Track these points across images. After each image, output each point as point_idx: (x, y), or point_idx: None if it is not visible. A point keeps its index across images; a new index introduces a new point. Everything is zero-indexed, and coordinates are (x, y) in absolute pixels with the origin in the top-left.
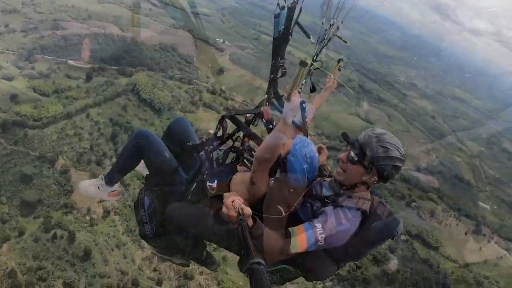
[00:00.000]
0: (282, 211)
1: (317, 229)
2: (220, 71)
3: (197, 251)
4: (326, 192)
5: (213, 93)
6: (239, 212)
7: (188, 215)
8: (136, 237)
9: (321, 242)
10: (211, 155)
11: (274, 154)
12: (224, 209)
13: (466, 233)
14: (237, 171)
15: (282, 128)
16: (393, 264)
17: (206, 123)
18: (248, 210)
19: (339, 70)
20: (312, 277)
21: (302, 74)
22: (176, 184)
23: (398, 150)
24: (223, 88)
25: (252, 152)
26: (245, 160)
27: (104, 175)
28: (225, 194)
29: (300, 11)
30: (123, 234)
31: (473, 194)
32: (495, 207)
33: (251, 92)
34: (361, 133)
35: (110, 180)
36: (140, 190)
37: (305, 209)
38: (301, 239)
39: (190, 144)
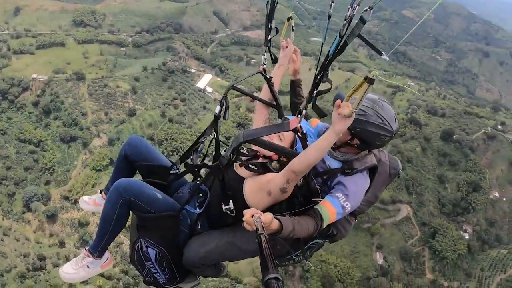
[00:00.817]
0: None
1: (340, 199)
2: (17, 11)
3: (216, 270)
4: (331, 163)
5: (18, 36)
6: (257, 227)
7: (217, 249)
8: (16, 215)
9: (347, 209)
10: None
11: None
12: (246, 226)
13: (310, 69)
14: (239, 177)
15: (329, 142)
16: None
17: (26, 70)
18: (266, 218)
19: (293, 30)
20: (337, 239)
21: (366, 92)
22: (181, 221)
23: (379, 117)
24: (27, 27)
25: (243, 150)
26: (250, 165)
27: (88, 249)
28: (244, 211)
29: (363, 22)
30: (3, 219)
31: (303, 33)
32: (327, 38)
33: (61, 18)
34: None
35: (100, 252)
36: (136, 243)
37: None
38: (330, 213)
39: (175, 171)
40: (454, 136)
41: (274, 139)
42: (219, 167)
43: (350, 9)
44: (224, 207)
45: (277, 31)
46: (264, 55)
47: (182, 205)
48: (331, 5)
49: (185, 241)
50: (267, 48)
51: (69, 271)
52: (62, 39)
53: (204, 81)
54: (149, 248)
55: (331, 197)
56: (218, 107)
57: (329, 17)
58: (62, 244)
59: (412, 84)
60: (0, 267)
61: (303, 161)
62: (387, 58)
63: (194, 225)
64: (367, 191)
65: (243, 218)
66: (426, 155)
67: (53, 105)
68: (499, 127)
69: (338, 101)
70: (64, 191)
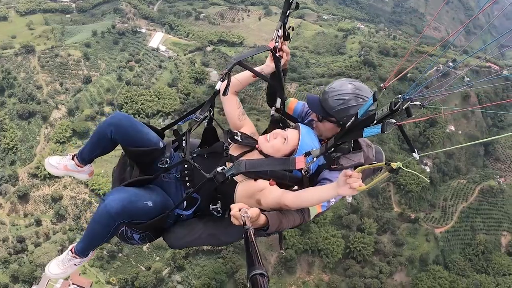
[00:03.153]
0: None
1: None
2: None
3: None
4: (318, 159)
5: None
6: (244, 222)
7: (200, 239)
8: None
9: (332, 203)
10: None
11: None
12: (233, 220)
13: (260, 19)
14: (232, 180)
15: (329, 197)
16: (214, 74)
17: None
18: (254, 212)
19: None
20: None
21: (384, 177)
22: (169, 216)
23: (359, 97)
24: None
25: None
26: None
27: (75, 252)
28: (232, 205)
29: (409, 115)
30: None
31: None
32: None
33: None
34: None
35: (88, 253)
36: (120, 228)
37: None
38: (317, 206)
39: (164, 165)
40: (408, 75)
41: (278, 138)
42: (214, 182)
43: (400, 102)
44: (211, 207)
45: (298, 6)
46: (278, 31)
47: (172, 209)
48: (380, 90)
49: (168, 226)
50: (283, 24)
51: (57, 271)
52: (4, 13)
53: (156, 40)
54: (134, 234)
55: None
56: (219, 83)
57: (375, 100)
58: (38, 222)
59: (362, 26)
60: None
61: (297, 201)
62: (417, 157)
63: (179, 216)
64: None
65: (231, 213)
66: (383, 94)
67: (5, 82)
68: (450, 63)
69: (349, 171)
70: (31, 169)
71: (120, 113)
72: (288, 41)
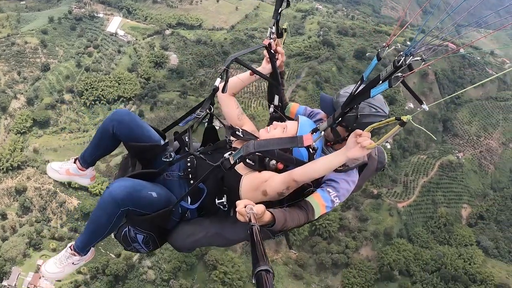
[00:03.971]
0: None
1: (331, 194)
2: None
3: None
4: None
5: None
6: (249, 219)
7: (205, 239)
8: None
9: (336, 204)
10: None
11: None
12: (239, 217)
13: (218, 0)
14: (237, 173)
15: (338, 163)
16: (173, 58)
17: None
18: (259, 209)
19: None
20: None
21: (395, 132)
22: (174, 212)
23: (372, 107)
24: None
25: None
26: (248, 160)
27: (74, 249)
28: (237, 202)
29: (410, 70)
30: None
31: None
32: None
33: None
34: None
35: (88, 250)
36: (123, 227)
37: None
38: (321, 206)
39: (168, 159)
40: (367, 54)
41: (277, 128)
42: (221, 169)
43: (403, 58)
44: (217, 201)
45: (288, 4)
46: (272, 28)
47: (177, 201)
48: (385, 48)
49: (173, 225)
50: (276, 21)
51: (54, 270)
52: None
53: (114, 24)
54: (137, 234)
55: (322, 191)
56: (218, 80)
57: (379, 59)
58: (4, 216)
59: (320, 7)
60: None
61: (306, 173)
62: (427, 108)
63: (184, 214)
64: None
65: (236, 209)
66: (342, 74)
67: None
68: (408, 43)
69: (358, 130)
70: None
71: (122, 109)
72: (283, 40)
